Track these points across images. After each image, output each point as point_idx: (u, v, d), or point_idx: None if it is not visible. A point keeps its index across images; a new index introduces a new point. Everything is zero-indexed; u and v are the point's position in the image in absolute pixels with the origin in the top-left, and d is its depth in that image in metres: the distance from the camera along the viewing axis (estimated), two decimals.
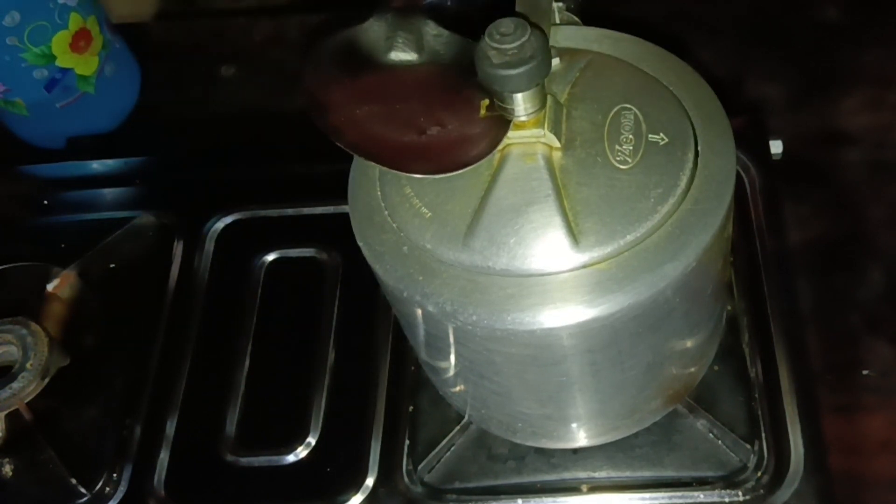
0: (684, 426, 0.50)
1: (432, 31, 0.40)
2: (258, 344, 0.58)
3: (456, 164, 0.37)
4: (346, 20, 0.41)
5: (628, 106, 0.39)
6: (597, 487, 0.50)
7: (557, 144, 0.37)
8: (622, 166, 0.37)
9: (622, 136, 0.38)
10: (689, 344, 0.44)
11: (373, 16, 0.41)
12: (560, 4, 0.44)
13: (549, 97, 0.37)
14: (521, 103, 0.36)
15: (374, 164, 0.39)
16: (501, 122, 0.37)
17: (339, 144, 0.37)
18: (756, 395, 0.51)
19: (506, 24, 0.34)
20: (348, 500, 0.51)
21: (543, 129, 0.37)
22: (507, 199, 0.37)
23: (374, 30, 0.40)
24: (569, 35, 0.43)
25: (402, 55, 0.40)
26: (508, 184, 0.37)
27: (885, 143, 0.63)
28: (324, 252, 0.61)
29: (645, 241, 0.36)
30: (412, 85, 0.40)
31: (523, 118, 0.37)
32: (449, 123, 0.38)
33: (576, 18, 0.45)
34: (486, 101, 0.38)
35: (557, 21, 0.44)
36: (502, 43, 0.34)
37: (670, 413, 0.50)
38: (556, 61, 0.40)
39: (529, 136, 0.37)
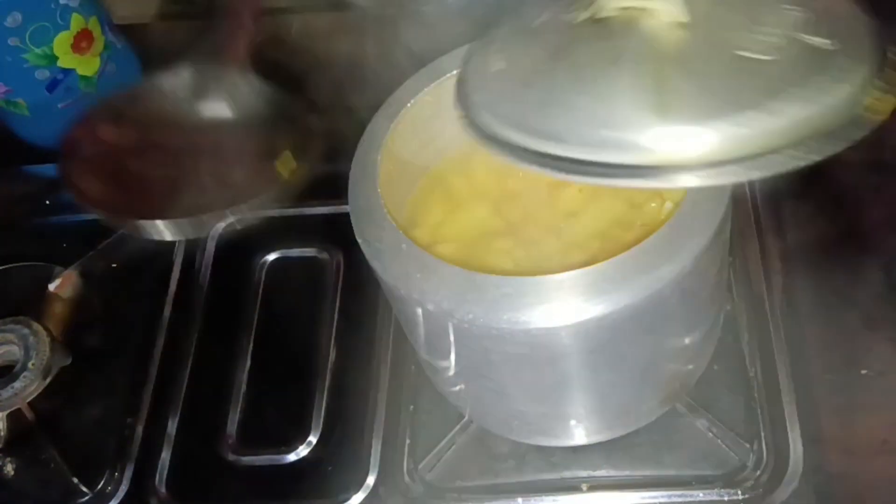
0: (684, 425, 0.51)
1: (248, 82, 0.38)
2: (258, 343, 0.58)
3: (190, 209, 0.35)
4: None
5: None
6: (597, 486, 0.50)
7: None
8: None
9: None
10: (686, 344, 0.44)
11: (183, 63, 0.38)
12: None
13: None
14: None
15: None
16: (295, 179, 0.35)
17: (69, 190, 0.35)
18: (755, 395, 0.51)
19: None
20: (349, 498, 0.51)
21: None
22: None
23: (180, 77, 0.38)
24: None
25: (208, 106, 0.38)
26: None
27: (885, 143, 0.63)
28: (324, 252, 0.61)
29: (642, 242, 0.36)
30: (207, 139, 0.38)
31: None
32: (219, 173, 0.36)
33: None
34: (287, 155, 0.36)
35: None
36: None
37: (670, 412, 0.50)
38: None
39: None
